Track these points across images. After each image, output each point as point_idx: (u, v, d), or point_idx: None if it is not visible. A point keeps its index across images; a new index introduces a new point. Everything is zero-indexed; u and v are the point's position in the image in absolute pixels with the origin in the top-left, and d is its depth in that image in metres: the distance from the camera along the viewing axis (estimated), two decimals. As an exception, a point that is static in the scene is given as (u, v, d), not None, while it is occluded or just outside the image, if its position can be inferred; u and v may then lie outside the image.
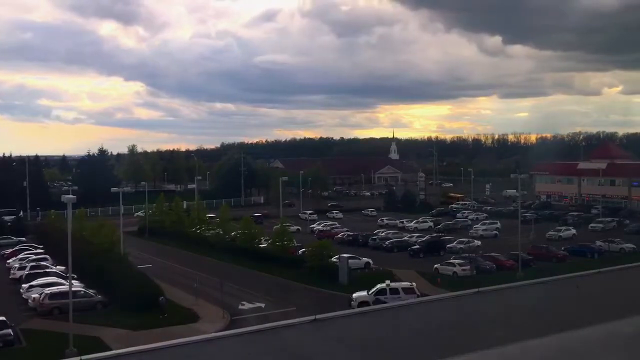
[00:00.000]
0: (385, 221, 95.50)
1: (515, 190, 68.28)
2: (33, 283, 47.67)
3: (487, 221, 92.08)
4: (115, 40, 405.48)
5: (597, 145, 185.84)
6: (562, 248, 65.89)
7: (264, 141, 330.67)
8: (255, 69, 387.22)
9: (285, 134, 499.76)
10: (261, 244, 67.28)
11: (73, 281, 40.64)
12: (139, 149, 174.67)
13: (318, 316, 14.00)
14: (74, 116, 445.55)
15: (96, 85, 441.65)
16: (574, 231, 79.87)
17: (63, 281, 46.63)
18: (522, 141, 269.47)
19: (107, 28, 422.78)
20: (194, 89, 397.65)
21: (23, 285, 48.25)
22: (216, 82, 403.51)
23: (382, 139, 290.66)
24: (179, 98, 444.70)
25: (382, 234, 79.01)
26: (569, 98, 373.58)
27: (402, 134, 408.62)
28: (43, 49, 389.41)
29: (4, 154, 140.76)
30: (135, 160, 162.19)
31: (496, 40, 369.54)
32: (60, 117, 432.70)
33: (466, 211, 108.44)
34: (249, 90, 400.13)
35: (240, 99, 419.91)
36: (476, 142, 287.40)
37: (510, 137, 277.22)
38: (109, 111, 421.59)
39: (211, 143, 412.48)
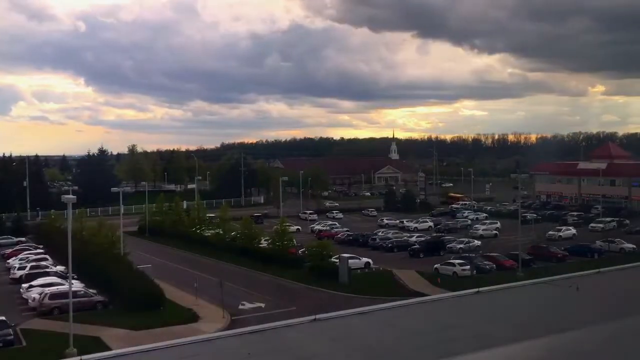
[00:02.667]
0: (386, 221, 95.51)
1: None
2: (33, 283, 47.67)
3: (487, 221, 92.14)
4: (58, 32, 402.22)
5: (597, 145, 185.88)
6: (562, 248, 65.87)
7: (264, 141, 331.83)
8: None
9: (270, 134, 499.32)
10: (261, 244, 67.26)
11: (73, 281, 40.66)
12: (137, 149, 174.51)
13: (318, 316, 14.00)
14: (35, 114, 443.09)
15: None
16: (574, 231, 79.88)
17: (63, 281, 46.67)
18: (522, 141, 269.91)
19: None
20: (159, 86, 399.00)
21: (23, 285, 48.24)
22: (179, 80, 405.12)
23: (382, 138, 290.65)
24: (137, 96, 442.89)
25: (382, 234, 79.01)
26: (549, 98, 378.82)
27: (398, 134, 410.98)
28: None
29: (4, 154, 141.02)
30: (135, 160, 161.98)
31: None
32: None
33: (466, 211, 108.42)
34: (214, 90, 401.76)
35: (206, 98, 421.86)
36: (476, 142, 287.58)
37: (510, 137, 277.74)
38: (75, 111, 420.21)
39: (211, 143, 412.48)
